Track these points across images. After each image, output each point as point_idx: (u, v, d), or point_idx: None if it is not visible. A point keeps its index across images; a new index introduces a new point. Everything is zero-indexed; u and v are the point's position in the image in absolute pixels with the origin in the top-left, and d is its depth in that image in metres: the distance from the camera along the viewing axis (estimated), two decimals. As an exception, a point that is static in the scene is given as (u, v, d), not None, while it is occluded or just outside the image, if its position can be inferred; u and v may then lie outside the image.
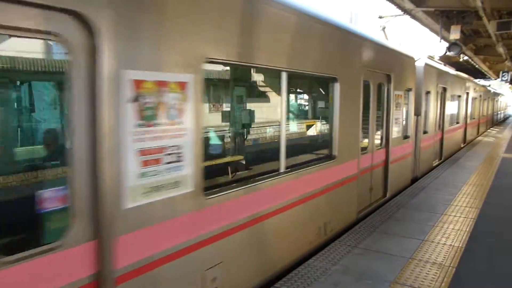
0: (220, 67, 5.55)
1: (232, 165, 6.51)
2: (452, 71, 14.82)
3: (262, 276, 4.32)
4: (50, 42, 2.60)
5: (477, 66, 25.46)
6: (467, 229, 6.28)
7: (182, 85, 3.10)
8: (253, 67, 4.14)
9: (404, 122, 8.92)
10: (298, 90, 10.86)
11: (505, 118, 50.33)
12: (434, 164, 12.38)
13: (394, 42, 10.28)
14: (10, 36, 2.55)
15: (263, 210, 4.24)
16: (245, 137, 7.16)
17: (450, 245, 5.60)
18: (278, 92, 4.73)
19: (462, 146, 17.49)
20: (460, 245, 5.59)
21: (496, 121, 37.17)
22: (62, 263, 2.44)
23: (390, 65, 7.71)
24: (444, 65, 14.30)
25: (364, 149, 6.90)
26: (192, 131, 3.23)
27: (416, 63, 9.55)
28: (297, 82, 9.12)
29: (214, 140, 7.18)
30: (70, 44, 2.40)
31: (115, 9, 2.56)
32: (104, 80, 2.54)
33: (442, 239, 5.81)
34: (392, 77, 7.77)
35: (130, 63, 2.70)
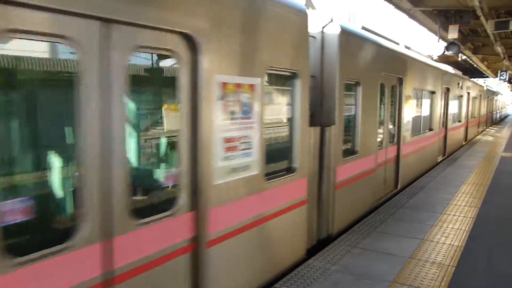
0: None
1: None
2: (453, 71, 14.97)
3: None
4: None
5: (475, 65, 25.49)
6: (467, 228, 6.29)
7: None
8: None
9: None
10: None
11: (502, 118, 49.73)
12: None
13: (405, 46, 10.85)
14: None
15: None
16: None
17: (450, 244, 5.61)
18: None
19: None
20: (460, 244, 5.60)
21: (494, 121, 36.98)
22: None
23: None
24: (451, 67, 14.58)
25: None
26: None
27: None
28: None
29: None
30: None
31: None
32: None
33: (441, 239, 5.81)
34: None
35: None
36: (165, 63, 4.00)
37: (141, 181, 3.61)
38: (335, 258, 5.04)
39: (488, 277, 4.65)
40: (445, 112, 13.64)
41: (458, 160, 13.26)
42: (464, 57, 21.60)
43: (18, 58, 3.02)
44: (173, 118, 3.76)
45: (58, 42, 2.50)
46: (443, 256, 5.17)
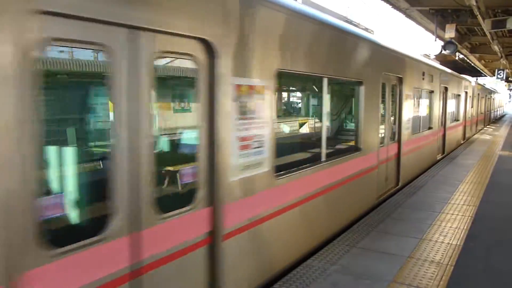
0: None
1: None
2: (450, 71, 14.97)
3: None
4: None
5: (472, 64, 25.53)
6: (465, 227, 6.30)
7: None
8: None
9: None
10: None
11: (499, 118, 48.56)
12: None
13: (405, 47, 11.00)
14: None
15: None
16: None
17: (448, 243, 5.61)
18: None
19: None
20: (458, 243, 5.61)
21: (491, 120, 36.69)
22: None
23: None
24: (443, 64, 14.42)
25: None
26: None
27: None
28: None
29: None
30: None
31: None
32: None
33: (440, 238, 5.82)
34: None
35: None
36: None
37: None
38: (334, 258, 5.04)
39: (486, 276, 4.66)
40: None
41: (457, 159, 13.28)
42: (461, 56, 21.63)
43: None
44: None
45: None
46: (442, 255, 5.18)
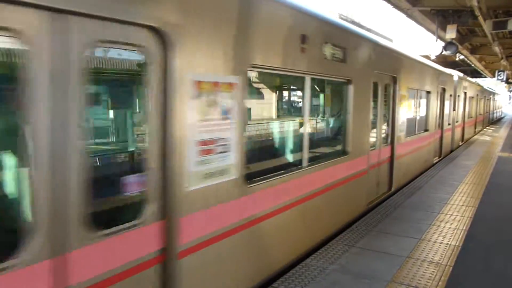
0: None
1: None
2: (450, 71, 14.89)
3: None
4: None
5: (473, 65, 25.54)
6: (464, 228, 6.30)
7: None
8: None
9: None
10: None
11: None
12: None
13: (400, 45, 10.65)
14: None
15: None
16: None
17: (447, 244, 5.62)
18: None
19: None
20: (457, 244, 5.61)
21: (490, 121, 35.83)
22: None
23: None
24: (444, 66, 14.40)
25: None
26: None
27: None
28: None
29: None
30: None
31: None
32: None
33: (439, 238, 5.82)
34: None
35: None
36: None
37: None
38: (333, 257, 5.04)
39: (485, 276, 4.66)
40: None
41: (456, 160, 13.28)
42: (461, 57, 21.63)
43: None
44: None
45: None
46: (441, 256, 5.18)
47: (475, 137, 22.05)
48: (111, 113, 5.61)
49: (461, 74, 17.25)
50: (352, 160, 6.43)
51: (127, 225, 2.81)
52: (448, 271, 4.73)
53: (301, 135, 5.30)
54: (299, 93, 7.22)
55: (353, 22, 7.53)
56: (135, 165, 3.38)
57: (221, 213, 3.62)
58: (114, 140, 5.62)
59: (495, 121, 41.14)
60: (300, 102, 6.36)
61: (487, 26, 11.91)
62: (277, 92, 8.74)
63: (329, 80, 6.40)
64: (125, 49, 3.00)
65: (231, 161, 3.70)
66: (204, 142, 3.35)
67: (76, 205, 2.48)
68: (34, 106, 2.26)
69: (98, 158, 4.47)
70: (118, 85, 5.58)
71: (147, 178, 2.98)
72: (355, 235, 5.86)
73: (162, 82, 3.01)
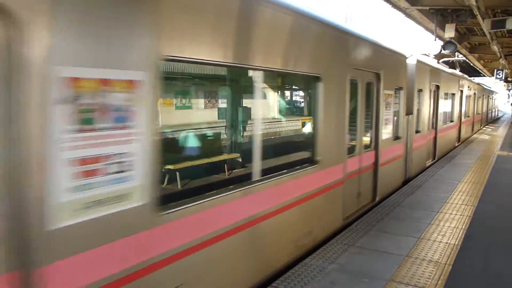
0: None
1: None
2: (445, 68, 14.62)
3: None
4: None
5: (471, 64, 25.55)
6: (463, 227, 6.31)
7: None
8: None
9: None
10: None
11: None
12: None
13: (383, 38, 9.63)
14: None
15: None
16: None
17: (446, 243, 5.62)
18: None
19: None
20: (456, 243, 5.62)
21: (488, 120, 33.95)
22: None
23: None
24: (438, 62, 14.23)
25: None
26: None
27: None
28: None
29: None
30: None
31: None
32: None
33: (438, 237, 5.83)
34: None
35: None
36: None
37: None
38: (332, 256, 5.04)
39: (484, 275, 4.67)
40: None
41: (455, 159, 13.30)
42: (460, 56, 21.65)
43: None
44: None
45: None
46: (440, 255, 5.18)
47: (473, 136, 22.06)
48: None
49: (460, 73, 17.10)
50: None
51: None
52: (448, 270, 4.74)
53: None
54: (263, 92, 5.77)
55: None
56: None
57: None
58: None
59: (491, 122, 37.68)
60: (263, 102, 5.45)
61: (485, 25, 11.92)
62: (220, 90, 7.34)
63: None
64: None
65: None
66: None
67: None
68: None
69: None
70: None
71: None
72: (354, 234, 5.87)
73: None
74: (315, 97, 5.35)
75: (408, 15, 13.29)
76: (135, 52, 2.75)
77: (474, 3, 10.18)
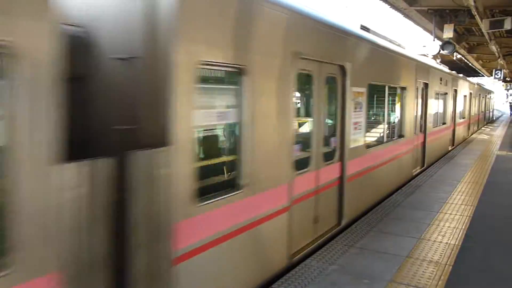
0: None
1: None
2: (436, 64, 13.41)
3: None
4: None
5: (470, 64, 25.59)
6: (463, 227, 6.31)
7: None
8: None
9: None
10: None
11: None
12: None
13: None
14: None
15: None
16: None
17: (446, 243, 5.62)
18: None
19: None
20: (456, 243, 5.62)
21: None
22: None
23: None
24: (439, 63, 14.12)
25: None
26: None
27: None
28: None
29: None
30: None
31: None
32: None
33: (438, 237, 5.83)
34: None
35: None
36: None
37: None
38: (332, 258, 5.04)
39: (485, 275, 4.67)
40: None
41: (454, 159, 13.31)
42: (459, 56, 21.69)
43: None
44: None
45: None
46: (440, 255, 5.18)
47: (471, 137, 22.05)
48: None
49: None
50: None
51: None
52: (448, 270, 4.74)
53: None
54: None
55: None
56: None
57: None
58: None
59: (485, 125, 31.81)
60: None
61: (484, 25, 11.94)
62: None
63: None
64: None
65: None
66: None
67: None
68: None
69: None
70: None
71: None
72: (354, 235, 5.86)
73: None
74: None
75: (407, 16, 13.31)
76: None
77: (473, 3, 10.20)
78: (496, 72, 25.03)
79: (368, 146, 7.16)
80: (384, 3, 11.85)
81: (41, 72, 2.26)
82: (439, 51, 13.89)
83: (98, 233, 2.63)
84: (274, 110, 4.41)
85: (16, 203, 2.18)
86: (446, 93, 13.97)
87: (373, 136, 7.85)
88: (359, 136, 6.60)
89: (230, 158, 4.14)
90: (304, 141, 5.23)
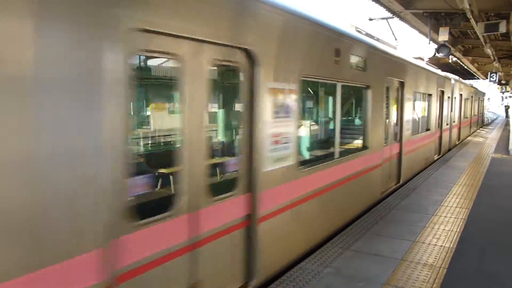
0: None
1: None
2: (416, 60, 11.47)
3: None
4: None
5: (466, 67, 25.71)
6: (458, 230, 6.32)
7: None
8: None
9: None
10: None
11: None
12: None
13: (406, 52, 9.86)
14: None
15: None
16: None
17: (441, 246, 5.63)
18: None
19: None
20: (451, 246, 5.62)
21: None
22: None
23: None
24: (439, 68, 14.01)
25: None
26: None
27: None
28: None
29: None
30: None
31: None
32: None
33: (433, 240, 5.83)
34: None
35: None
36: None
37: None
38: (327, 260, 5.03)
39: (479, 278, 4.67)
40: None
41: (449, 161, 13.34)
42: (454, 59, 21.78)
43: None
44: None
45: None
46: (435, 258, 5.19)
47: (468, 138, 22.11)
48: None
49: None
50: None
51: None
52: (442, 273, 4.74)
53: None
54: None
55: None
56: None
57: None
58: None
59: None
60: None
61: (479, 28, 11.98)
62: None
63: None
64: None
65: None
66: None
67: None
68: None
69: None
70: None
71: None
72: (349, 238, 5.86)
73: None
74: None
75: (402, 18, 13.34)
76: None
77: (468, 7, 10.23)
78: (492, 75, 25.15)
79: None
80: (379, 6, 11.87)
81: None
82: (435, 54, 13.94)
83: None
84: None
85: None
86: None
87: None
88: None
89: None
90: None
